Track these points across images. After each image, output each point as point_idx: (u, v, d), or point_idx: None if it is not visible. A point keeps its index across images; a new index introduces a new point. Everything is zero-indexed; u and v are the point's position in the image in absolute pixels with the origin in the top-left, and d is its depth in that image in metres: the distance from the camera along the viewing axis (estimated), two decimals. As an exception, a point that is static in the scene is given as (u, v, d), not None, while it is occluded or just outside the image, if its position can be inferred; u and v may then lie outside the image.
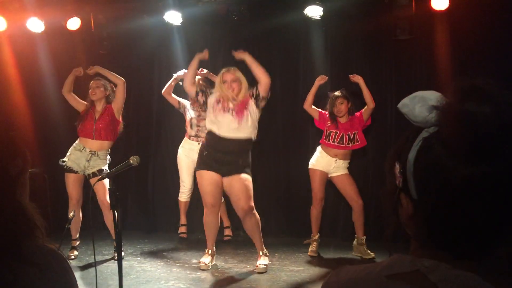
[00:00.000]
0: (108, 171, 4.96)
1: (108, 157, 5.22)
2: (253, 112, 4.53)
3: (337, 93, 5.26)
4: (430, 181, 0.77)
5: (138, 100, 6.56)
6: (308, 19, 5.73)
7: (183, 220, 5.87)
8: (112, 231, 4.97)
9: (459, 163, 0.72)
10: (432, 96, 0.79)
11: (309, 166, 5.34)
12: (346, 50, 6.09)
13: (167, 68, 6.46)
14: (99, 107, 5.21)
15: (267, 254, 4.79)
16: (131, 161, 3.40)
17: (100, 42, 6.21)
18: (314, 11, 5.63)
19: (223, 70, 4.63)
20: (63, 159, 5.12)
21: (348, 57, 6.09)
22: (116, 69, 6.27)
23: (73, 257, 5.07)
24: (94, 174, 5.05)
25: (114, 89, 5.28)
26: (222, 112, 4.49)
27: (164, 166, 6.48)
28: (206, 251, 4.79)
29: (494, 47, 5.35)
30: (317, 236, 5.36)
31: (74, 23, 6.00)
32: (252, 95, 4.57)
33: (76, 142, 5.17)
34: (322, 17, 5.67)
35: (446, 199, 0.74)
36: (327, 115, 5.32)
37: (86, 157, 5.07)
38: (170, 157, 6.43)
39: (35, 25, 5.96)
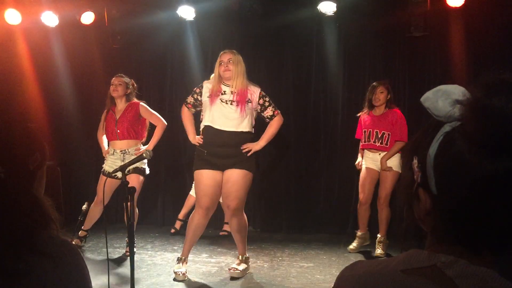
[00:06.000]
0: (147, 167, 4.98)
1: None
2: (252, 110, 4.24)
3: (377, 82, 5.17)
4: (452, 176, 0.75)
5: (150, 95, 6.59)
6: (322, 15, 5.71)
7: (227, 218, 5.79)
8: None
9: (484, 158, 0.71)
10: (455, 90, 0.78)
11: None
12: (359, 46, 6.05)
13: (179, 63, 6.49)
14: (120, 105, 5.07)
15: (248, 260, 4.48)
16: (143, 155, 3.42)
17: (113, 37, 6.24)
18: (327, 7, 5.60)
19: (222, 52, 4.31)
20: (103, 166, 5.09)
21: (361, 53, 6.06)
22: (129, 63, 6.33)
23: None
24: (128, 171, 4.77)
25: (135, 85, 5.19)
26: (220, 103, 4.17)
27: (176, 161, 6.51)
28: (182, 258, 4.31)
29: (510, 44, 5.29)
30: (359, 233, 5.28)
31: (88, 17, 6.04)
32: (260, 104, 4.27)
33: (110, 147, 5.10)
34: (335, 13, 5.64)
35: (469, 195, 0.73)
36: (362, 113, 5.29)
37: (120, 158, 4.99)
38: (182, 152, 6.45)
39: (50, 19, 6.01)
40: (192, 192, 5.72)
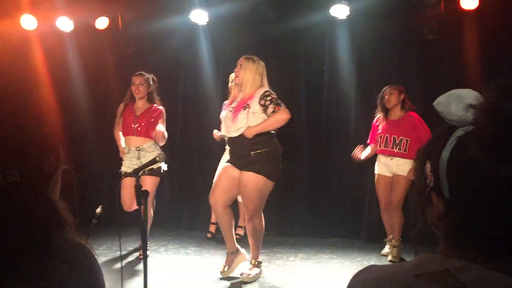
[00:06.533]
0: (163, 164, 4.84)
1: (158, 147, 4.96)
2: (249, 114, 4.13)
3: (387, 86, 5.08)
4: (465, 180, 0.75)
5: (163, 100, 6.61)
6: (334, 19, 5.70)
7: (241, 222, 5.68)
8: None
9: (496, 163, 0.71)
10: (468, 95, 0.78)
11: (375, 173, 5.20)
12: (372, 50, 6.02)
13: (192, 67, 6.52)
14: (141, 103, 5.01)
15: (261, 265, 4.46)
16: (156, 158, 3.44)
17: (127, 42, 6.30)
18: (340, 11, 5.59)
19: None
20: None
21: (374, 57, 6.03)
22: (143, 68, 6.36)
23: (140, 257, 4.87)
24: (144, 173, 4.71)
25: (155, 79, 5.14)
26: (227, 111, 4.32)
27: (189, 165, 6.53)
28: (228, 252, 4.50)
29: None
30: (390, 237, 5.13)
31: (102, 22, 6.10)
32: (261, 104, 4.13)
33: (125, 145, 5.02)
34: (348, 17, 5.62)
35: (481, 199, 0.73)
36: (376, 121, 5.17)
37: (135, 155, 4.90)
38: (196, 155, 6.47)
39: (65, 24, 6.08)
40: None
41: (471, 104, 0.76)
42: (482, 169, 0.73)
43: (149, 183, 4.78)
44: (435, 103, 0.81)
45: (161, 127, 4.94)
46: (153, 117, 4.98)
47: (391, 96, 4.99)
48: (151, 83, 5.09)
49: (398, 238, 5.05)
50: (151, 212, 4.99)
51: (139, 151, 4.91)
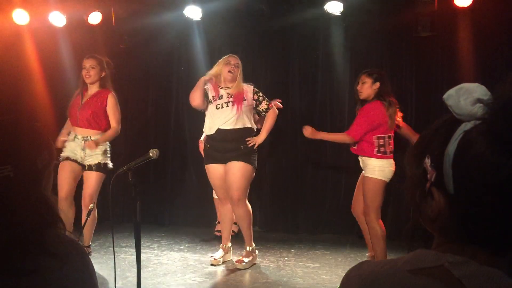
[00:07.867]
0: (109, 161, 4.60)
1: (107, 147, 4.64)
2: (249, 107, 4.56)
3: (364, 71, 4.27)
4: (472, 175, 0.75)
5: (157, 94, 6.61)
6: (328, 15, 5.70)
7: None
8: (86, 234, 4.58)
9: (506, 158, 0.71)
10: (477, 89, 0.78)
11: None
12: (366, 46, 6.03)
13: (186, 63, 6.50)
14: (92, 90, 4.60)
15: (255, 251, 4.68)
16: (150, 154, 3.42)
17: (120, 37, 6.26)
18: (334, 7, 5.59)
19: (230, 54, 4.67)
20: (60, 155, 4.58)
21: (368, 53, 6.04)
22: (136, 63, 6.35)
23: None
24: (90, 167, 4.51)
25: (112, 64, 4.75)
26: (215, 110, 4.50)
27: (183, 160, 6.52)
28: (221, 245, 4.83)
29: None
30: (370, 254, 4.54)
31: (95, 17, 6.06)
32: (255, 99, 4.60)
33: (70, 132, 4.66)
34: (342, 13, 5.63)
35: (488, 194, 0.73)
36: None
37: (81, 145, 4.52)
38: (189, 151, 6.46)
39: (57, 19, 6.04)
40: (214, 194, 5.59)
41: (480, 99, 0.76)
42: (491, 164, 0.72)
43: (93, 179, 4.43)
44: (445, 96, 0.81)
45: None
46: (98, 106, 4.56)
47: (363, 85, 4.14)
48: (105, 67, 4.65)
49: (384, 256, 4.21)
50: (95, 213, 4.66)
51: (86, 140, 4.52)
